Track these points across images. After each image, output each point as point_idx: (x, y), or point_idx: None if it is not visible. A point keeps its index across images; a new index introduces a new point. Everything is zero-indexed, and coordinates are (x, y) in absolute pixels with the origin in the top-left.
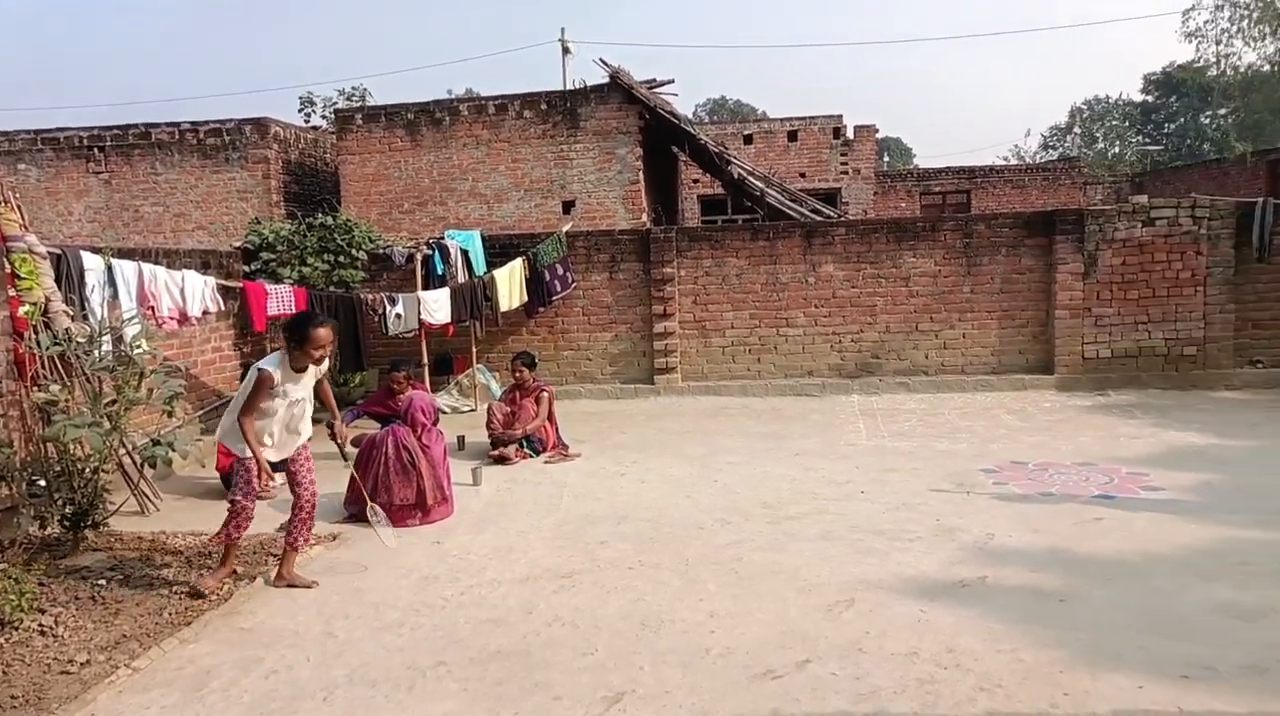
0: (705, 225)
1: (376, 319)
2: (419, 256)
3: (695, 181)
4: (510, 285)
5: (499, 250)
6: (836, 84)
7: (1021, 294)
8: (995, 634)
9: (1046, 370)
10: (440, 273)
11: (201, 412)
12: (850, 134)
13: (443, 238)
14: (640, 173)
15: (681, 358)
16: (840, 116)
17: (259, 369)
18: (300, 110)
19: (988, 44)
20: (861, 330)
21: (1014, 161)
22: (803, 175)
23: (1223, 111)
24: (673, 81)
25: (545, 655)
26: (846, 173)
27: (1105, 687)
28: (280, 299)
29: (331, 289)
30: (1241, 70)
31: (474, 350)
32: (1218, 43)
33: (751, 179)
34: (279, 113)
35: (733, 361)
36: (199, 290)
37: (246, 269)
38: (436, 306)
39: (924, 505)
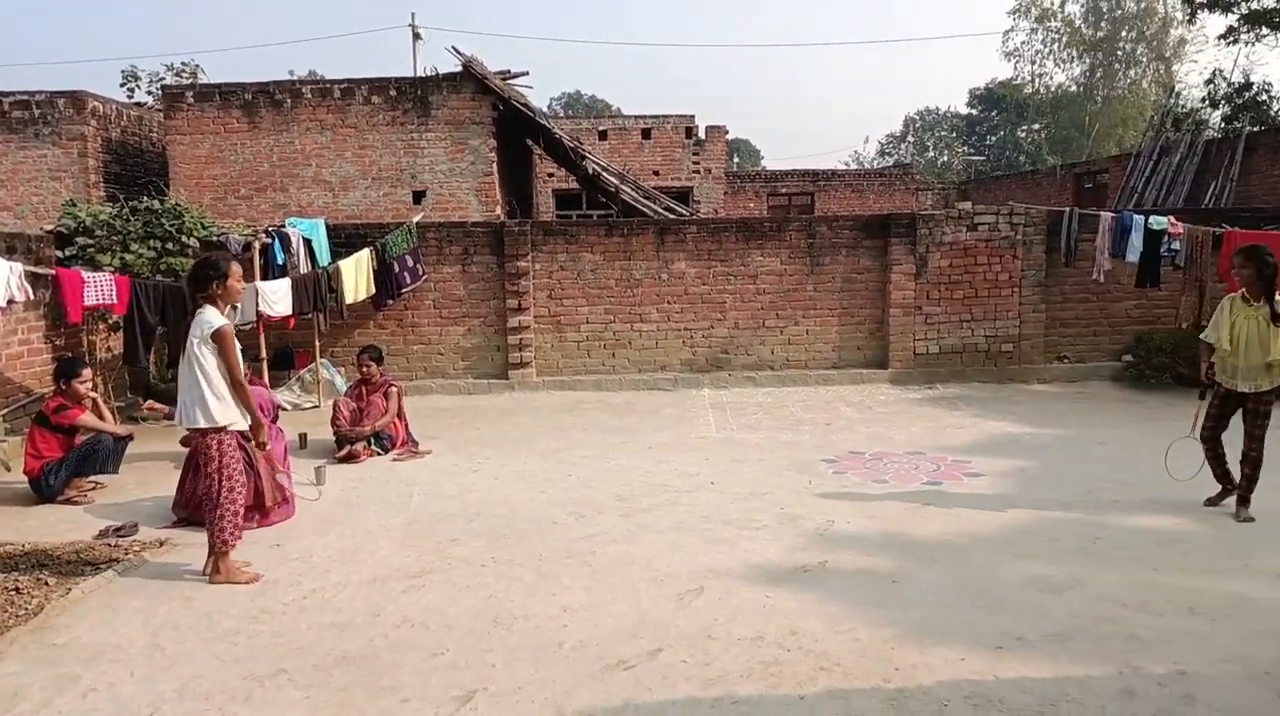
0: (560, 219)
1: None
2: (257, 245)
3: (550, 175)
4: (357, 276)
5: (345, 240)
6: (690, 84)
7: (860, 293)
8: (834, 615)
9: (882, 365)
10: (280, 262)
11: (6, 411)
12: (702, 134)
13: (283, 225)
14: (494, 164)
15: (536, 352)
16: (693, 117)
17: (216, 326)
18: (123, 85)
19: (832, 53)
20: (712, 326)
21: (854, 166)
22: (656, 173)
23: (1036, 126)
24: (527, 74)
25: (394, 657)
26: (698, 172)
27: (932, 660)
28: (99, 288)
29: (159, 278)
30: (1052, 89)
31: (317, 344)
32: (1032, 63)
33: (606, 175)
34: (98, 87)
35: (587, 356)
36: (3, 277)
37: (60, 255)
38: (276, 297)
39: (770, 494)
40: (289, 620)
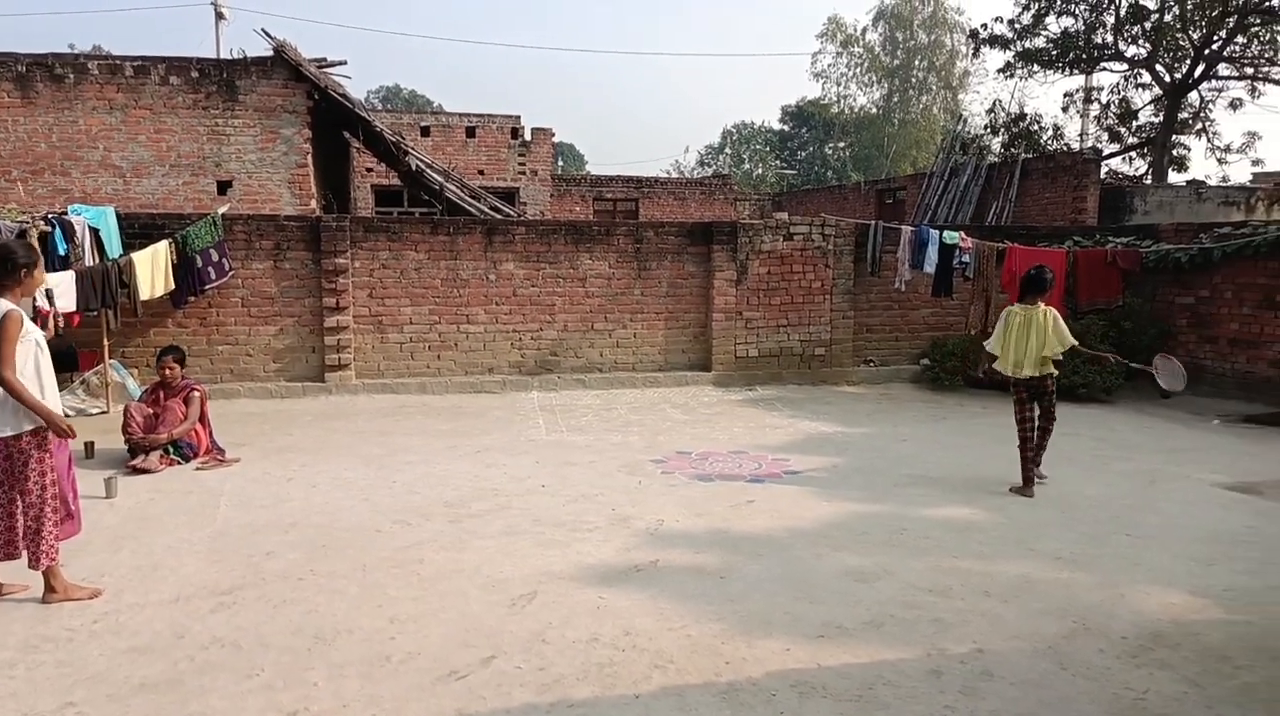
0: (382, 216)
1: None
2: (34, 233)
3: (369, 170)
4: (153, 270)
5: (139, 230)
6: (513, 86)
7: (685, 297)
8: (666, 613)
9: (705, 367)
10: (63, 253)
11: None
12: (528, 135)
13: (65, 212)
14: (309, 156)
15: (356, 354)
16: (519, 117)
17: (3, 310)
18: None
19: (655, 64)
20: (541, 328)
21: (675, 175)
22: (481, 172)
23: (842, 144)
24: (345, 63)
25: (202, 682)
26: (524, 173)
27: (759, 652)
28: None
29: None
30: (856, 110)
31: (105, 343)
32: (838, 84)
33: (430, 172)
34: None
35: (411, 358)
36: None
37: None
38: (58, 292)
39: (601, 496)
40: (77, 647)
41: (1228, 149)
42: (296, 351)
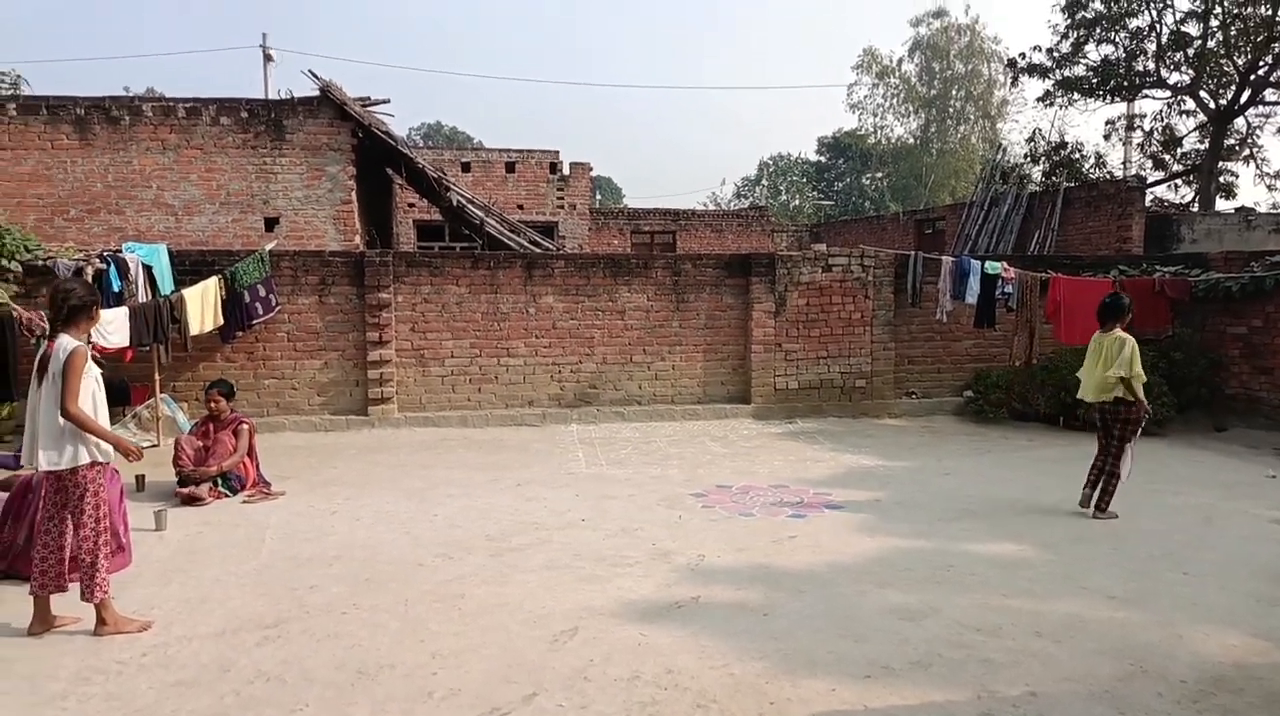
0: (423, 250)
1: (33, 341)
2: (90, 270)
3: (411, 206)
4: (203, 306)
5: (190, 267)
6: (552, 119)
7: (723, 329)
8: (708, 651)
9: (745, 400)
10: (117, 289)
11: None
12: (566, 170)
13: (119, 250)
14: (353, 192)
15: (398, 387)
16: (557, 152)
17: (71, 348)
18: None
19: (689, 96)
20: (580, 361)
21: (712, 207)
22: (520, 207)
23: (879, 175)
24: (388, 101)
25: None
26: (563, 207)
27: (804, 692)
28: None
29: None
30: (893, 140)
31: (157, 378)
32: (874, 115)
33: (471, 207)
34: None
35: (452, 391)
36: None
37: None
38: (111, 328)
39: (641, 530)
40: (126, 680)
41: (1277, 175)
42: (340, 385)
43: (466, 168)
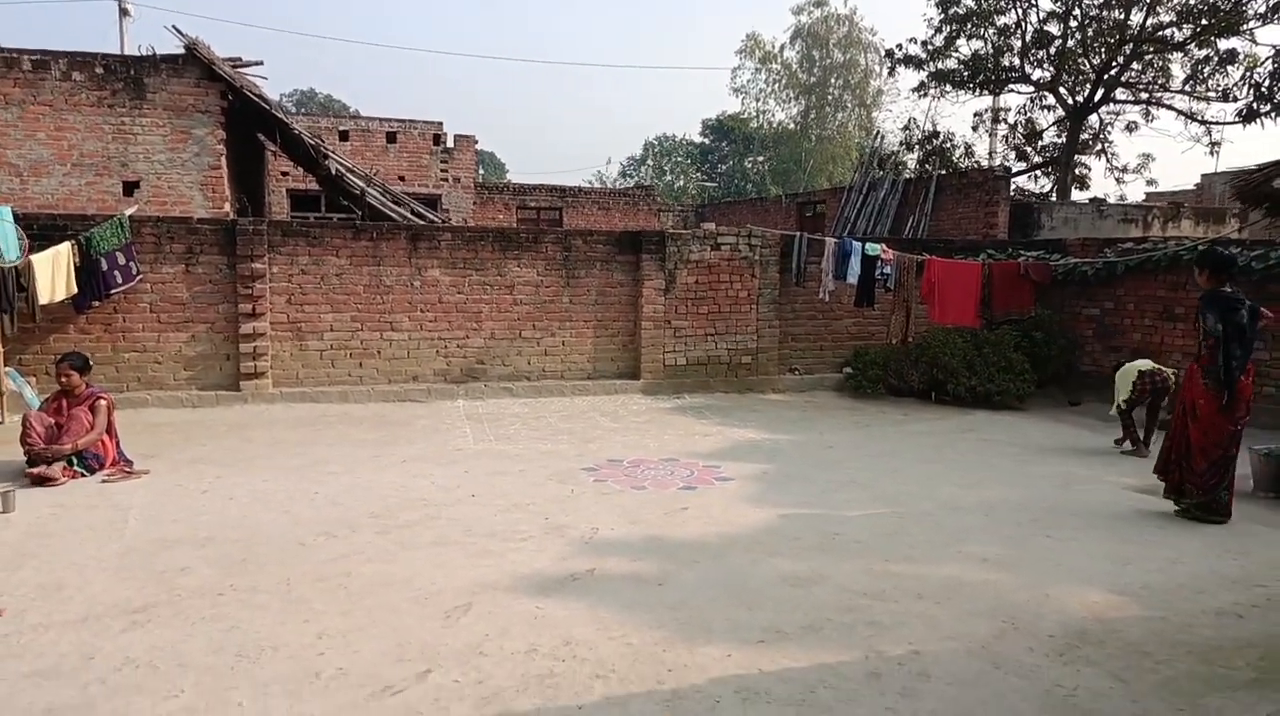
0: (301, 219)
1: None
2: None
3: (285, 174)
4: (54, 273)
5: (38, 232)
6: (434, 92)
7: (614, 306)
8: (605, 621)
9: (634, 376)
10: None
11: None
12: (450, 142)
13: None
14: (222, 158)
15: (273, 361)
16: (441, 124)
17: None
18: None
19: (576, 74)
20: (467, 336)
21: (597, 185)
22: (402, 179)
23: (761, 158)
24: (261, 63)
25: (116, 705)
26: (446, 180)
27: (701, 659)
28: None
29: None
30: (774, 125)
31: (1, 350)
32: (757, 100)
33: (350, 176)
34: None
35: (332, 366)
36: None
37: None
38: None
39: (533, 505)
40: None
41: (1125, 169)
42: (210, 359)
43: (345, 136)
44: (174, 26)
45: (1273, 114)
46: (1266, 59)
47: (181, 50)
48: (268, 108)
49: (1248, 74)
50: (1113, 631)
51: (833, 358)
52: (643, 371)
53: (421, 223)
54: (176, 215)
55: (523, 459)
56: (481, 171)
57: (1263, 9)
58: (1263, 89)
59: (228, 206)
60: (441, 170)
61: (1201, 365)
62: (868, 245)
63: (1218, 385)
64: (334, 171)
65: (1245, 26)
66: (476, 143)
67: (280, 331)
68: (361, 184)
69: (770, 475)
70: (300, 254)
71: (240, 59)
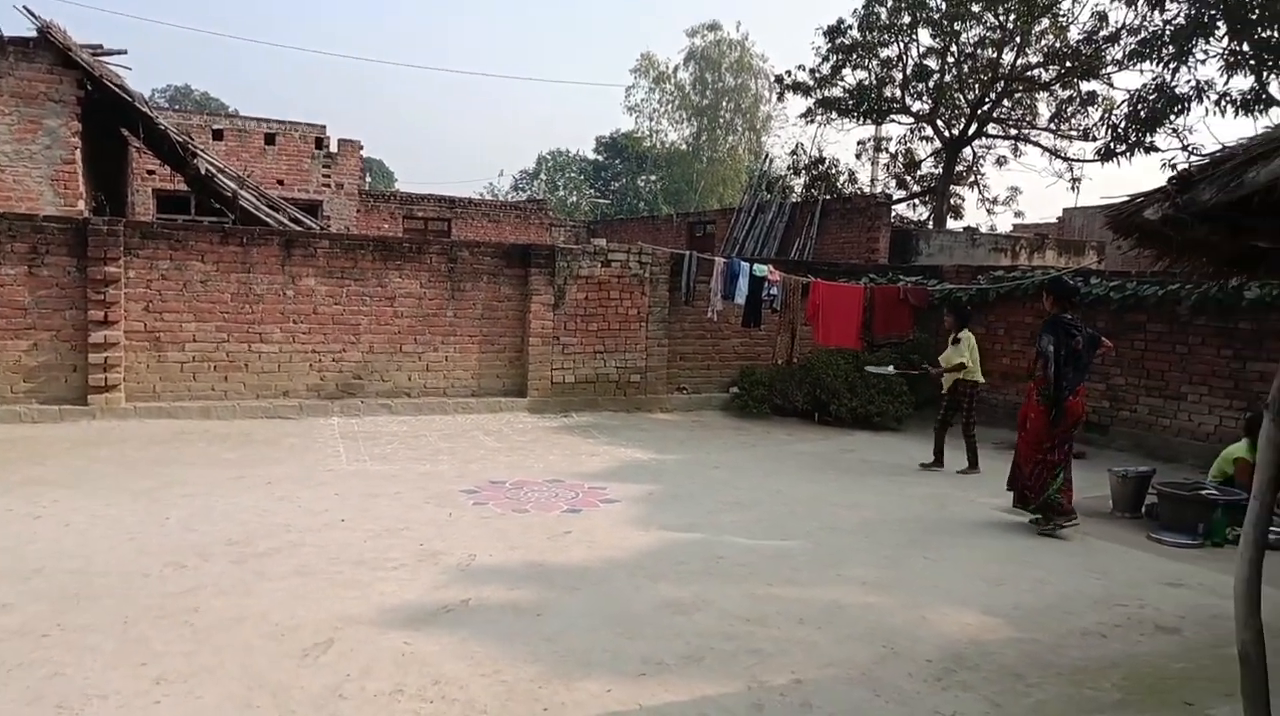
0: (163, 222)
1: None
2: None
3: (151, 173)
4: None
5: None
6: (320, 95)
7: (500, 321)
8: (478, 657)
9: (520, 393)
10: None
11: None
12: (334, 146)
13: None
14: (77, 151)
15: (127, 373)
16: (324, 127)
17: None
18: None
19: (469, 84)
20: (344, 349)
21: (488, 197)
22: (281, 182)
23: (653, 177)
24: (125, 52)
25: None
26: (329, 186)
27: (579, 695)
28: None
29: None
30: (667, 145)
31: None
32: (650, 119)
33: (222, 177)
34: None
35: (194, 379)
36: None
37: None
38: None
39: (407, 530)
40: None
41: (995, 200)
42: (54, 369)
43: (219, 136)
44: (25, 8)
45: (1128, 153)
46: (1122, 103)
47: (33, 33)
48: (130, 99)
49: (1106, 115)
50: (987, 654)
51: (720, 377)
52: (530, 389)
53: (298, 228)
54: (21, 212)
55: (399, 480)
56: (368, 179)
57: (1119, 56)
58: (1119, 130)
59: (82, 204)
60: (324, 175)
61: (1037, 385)
62: (756, 266)
63: (1047, 402)
64: (203, 171)
65: (1103, 71)
66: (362, 148)
67: (136, 341)
68: (234, 186)
69: (656, 496)
70: (161, 258)
71: (101, 46)
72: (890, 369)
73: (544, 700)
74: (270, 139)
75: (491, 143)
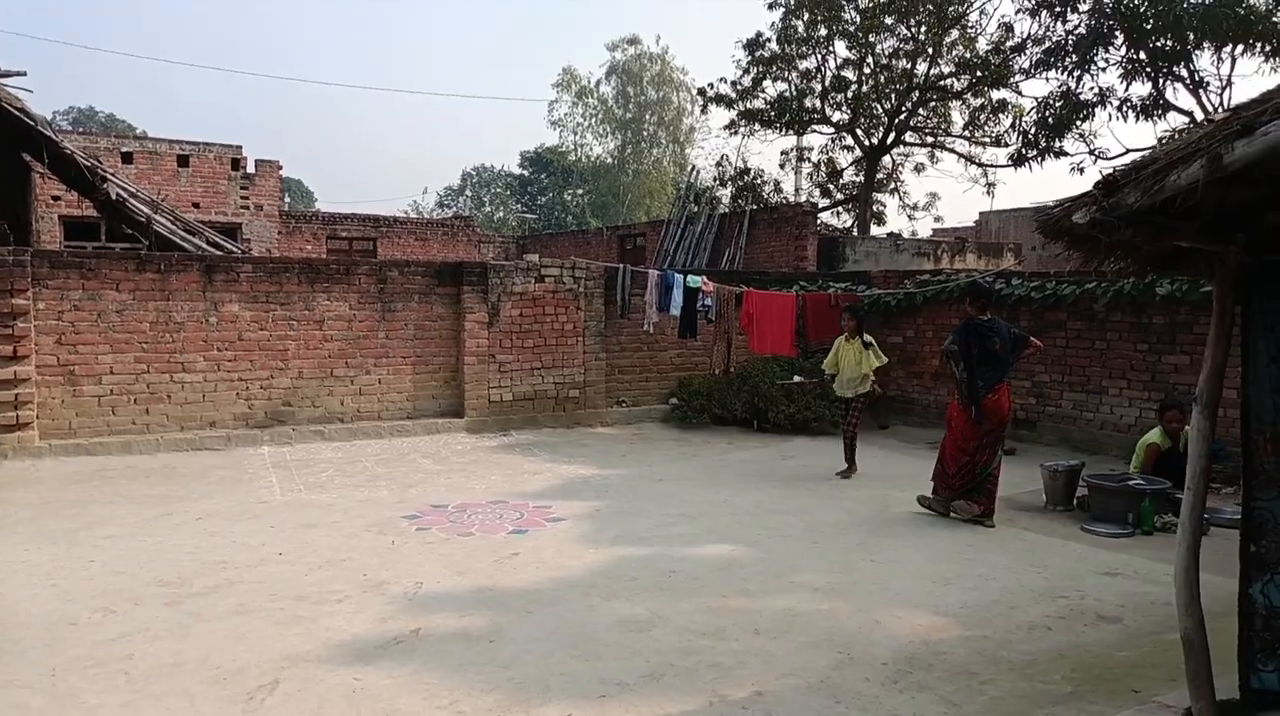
0: (74, 250)
1: None
2: None
3: (56, 199)
4: None
5: None
6: (234, 117)
7: (434, 340)
8: (433, 688)
9: (458, 413)
10: None
11: None
12: (251, 167)
13: None
14: None
15: (40, 410)
16: (240, 147)
17: None
18: None
19: (391, 100)
20: (272, 376)
21: (413, 215)
22: (197, 206)
23: (580, 191)
24: (24, 74)
25: None
26: (248, 208)
27: None
28: None
29: None
30: (592, 159)
31: None
32: (574, 133)
33: (134, 202)
34: None
35: (113, 413)
36: None
37: None
38: None
39: (349, 560)
40: None
41: (915, 206)
42: None
43: (129, 158)
44: None
45: (1039, 158)
46: (1030, 110)
47: None
48: (31, 123)
49: (1016, 122)
50: (939, 654)
51: (659, 389)
52: (467, 409)
53: (218, 253)
54: None
55: (337, 509)
56: (288, 199)
57: (1026, 65)
58: (1029, 136)
59: None
60: (242, 197)
61: (957, 385)
62: (689, 277)
63: (964, 401)
64: (114, 196)
65: (1012, 79)
66: (281, 168)
67: (49, 375)
68: (147, 211)
69: (603, 512)
70: (73, 288)
71: None
72: (797, 378)
73: None
74: (184, 161)
75: (415, 160)
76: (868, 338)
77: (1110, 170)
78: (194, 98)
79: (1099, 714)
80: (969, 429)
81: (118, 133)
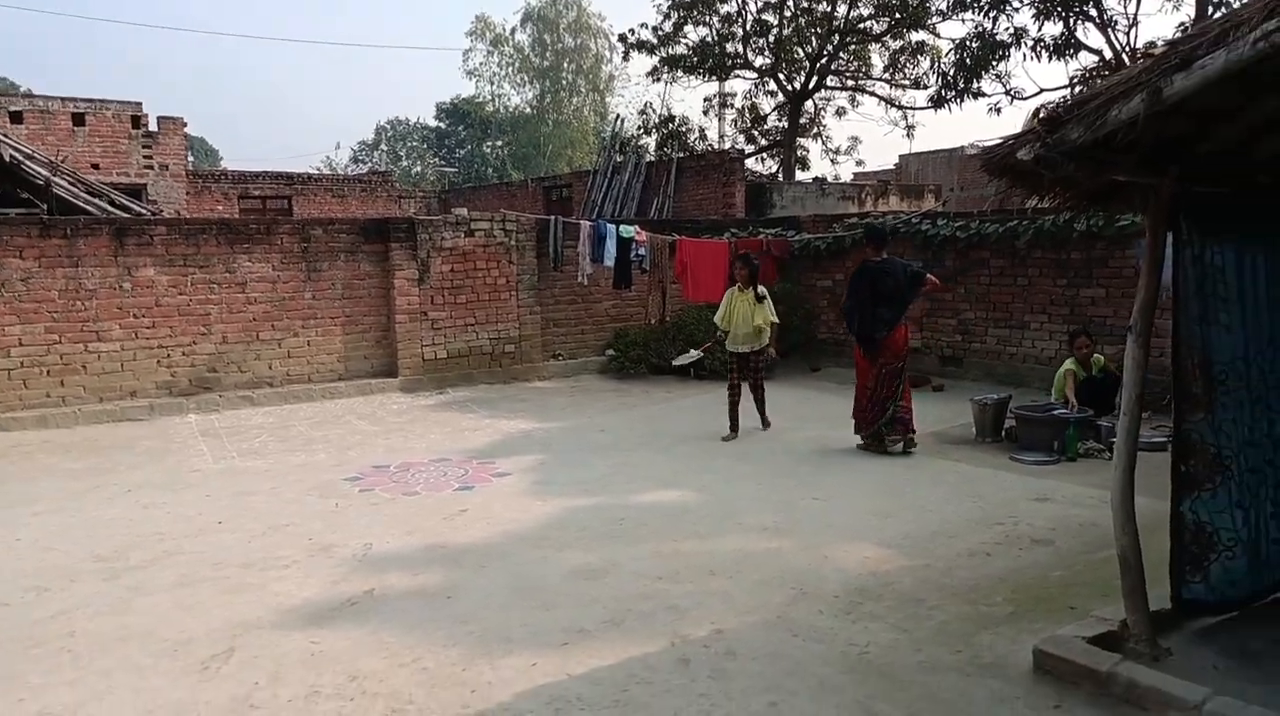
0: None
1: None
2: None
3: None
4: None
5: None
6: (128, 71)
7: (363, 300)
8: (393, 647)
9: (391, 373)
10: None
11: None
12: (154, 125)
13: None
14: None
15: None
16: (140, 104)
17: None
18: None
19: (297, 54)
20: (194, 342)
21: (327, 172)
22: (96, 167)
23: (499, 143)
24: None
25: None
26: (152, 168)
27: (504, 673)
28: None
29: None
30: (510, 109)
31: None
32: (491, 83)
33: (31, 164)
34: None
35: (24, 387)
36: None
37: None
38: None
39: (292, 525)
40: None
41: (838, 151)
42: None
43: (18, 118)
44: None
45: (958, 99)
46: (948, 51)
47: None
48: None
49: (935, 64)
50: (887, 584)
51: (595, 341)
52: (400, 367)
53: (127, 215)
54: None
55: (274, 474)
56: (192, 159)
57: (943, 6)
58: (948, 78)
59: None
60: (145, 157)
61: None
62: (622, 228)
63: (860, 342)
64: (7, 158)
65: (930, 21)
66: (185, 126)
67: None
68: (45, 173)
69: (548, 465)
70: None
71: None
72: (694, 353)
73: (469, 682)
74: (79, 119)
75: (326, 114)
76: (761, 290)
77: (1052, 104)
78: (79, 56)
79: (1040, 631)
80: (863, 363)
81: (3, 91)
